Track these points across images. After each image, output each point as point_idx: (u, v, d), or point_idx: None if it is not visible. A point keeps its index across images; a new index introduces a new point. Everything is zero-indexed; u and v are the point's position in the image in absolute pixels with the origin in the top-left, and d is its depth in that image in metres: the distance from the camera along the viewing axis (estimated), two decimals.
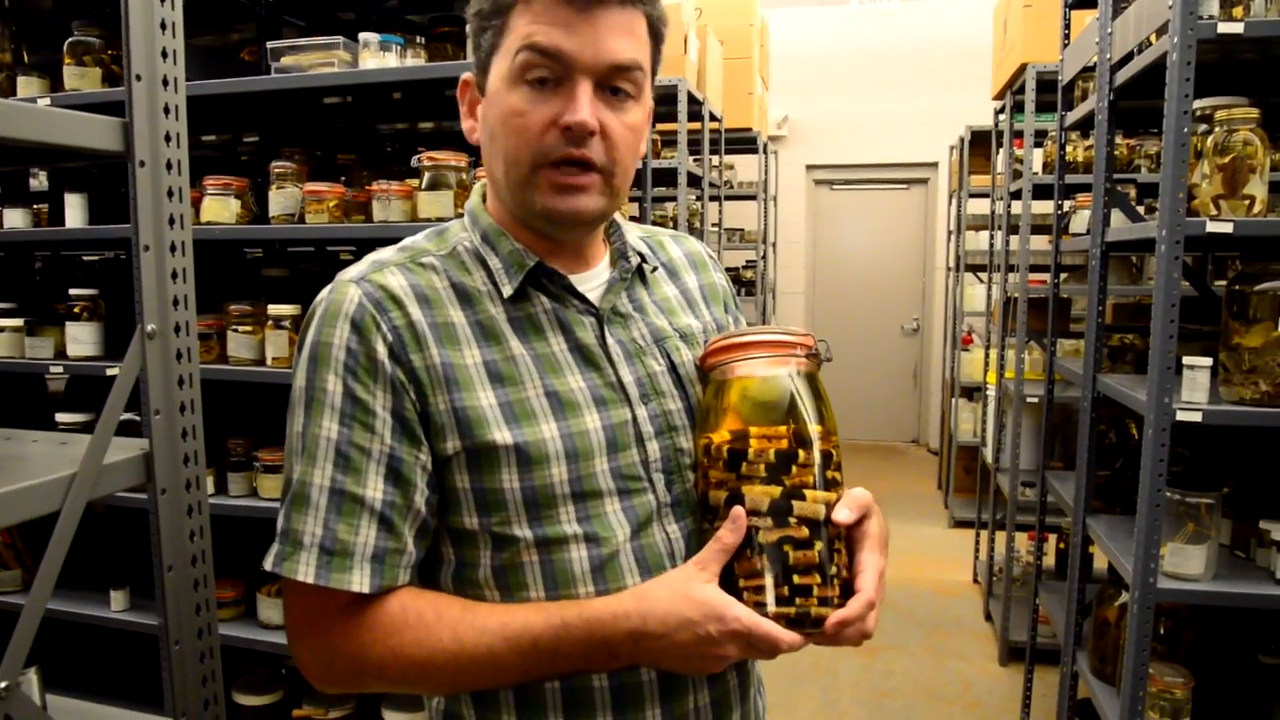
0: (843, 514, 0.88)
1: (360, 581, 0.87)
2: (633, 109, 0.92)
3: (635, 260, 1.03)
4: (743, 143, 5.54)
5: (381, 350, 0.88)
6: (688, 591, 0.83)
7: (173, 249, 1.05)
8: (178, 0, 1.04)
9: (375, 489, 0.88)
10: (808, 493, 0.87)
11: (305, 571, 0.86)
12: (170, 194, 1.05)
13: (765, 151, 5.91)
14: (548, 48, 0.86)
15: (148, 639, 2.49)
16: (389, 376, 0.88)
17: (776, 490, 0.86)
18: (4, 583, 2.62)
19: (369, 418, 0.88)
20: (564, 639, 0.85)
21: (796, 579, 0.85)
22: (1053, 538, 3.74)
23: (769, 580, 0.84)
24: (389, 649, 0.87)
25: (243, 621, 2.58)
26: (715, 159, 4.93)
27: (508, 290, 0.94)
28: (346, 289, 0.91)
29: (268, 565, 0.89)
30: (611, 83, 0.90)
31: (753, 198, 6.10)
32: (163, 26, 1.02)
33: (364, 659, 0.88)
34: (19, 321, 2.60)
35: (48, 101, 2.50)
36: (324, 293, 0.93)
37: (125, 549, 2.70)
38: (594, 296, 0.98)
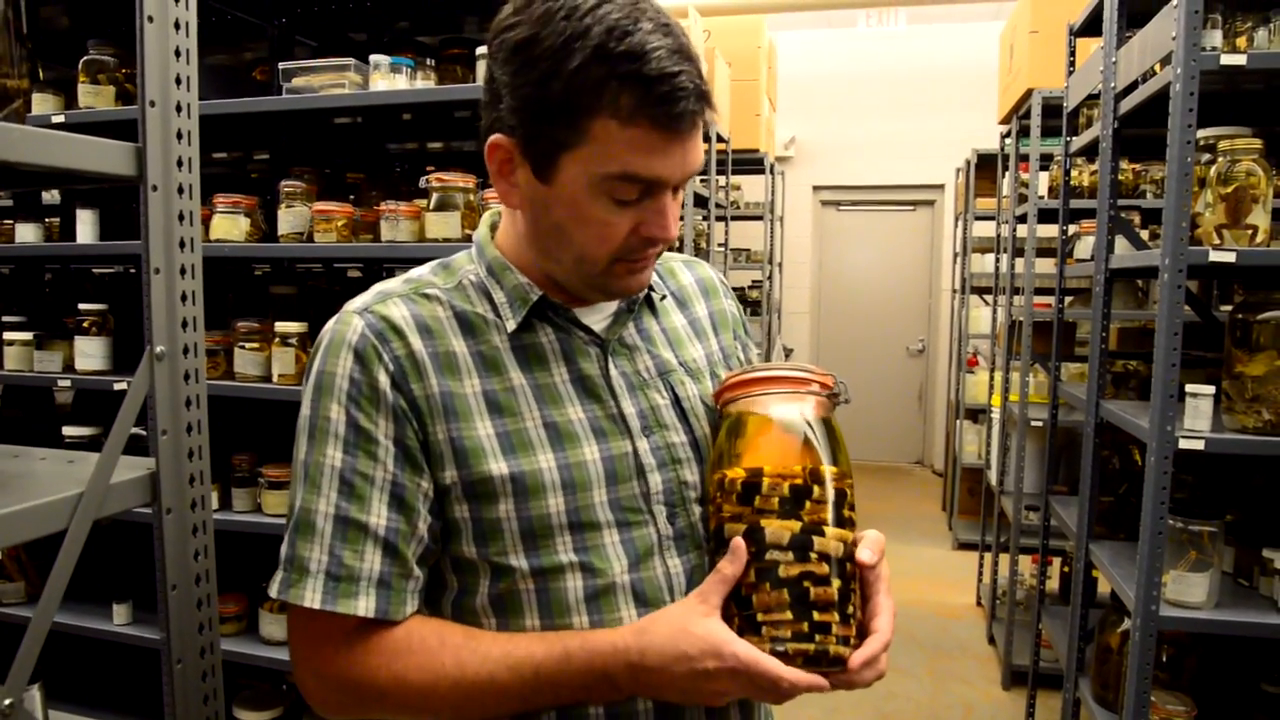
0: (865, 555, 0.88)
1: (366, 606, 0.88)
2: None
3: (642, 293, 1.02)
4: (749, 163, 5.57)
5: (384, 380, 0.90)
6: (686, 625, 0.84)
7: (183, 272, 1.07)
8: (192, 28, 1.06)
9: (379, 516, 0.89)
10: (827, 529, 0.86)
11: (312, 598, 0.88)
12: (181, 218, 1.06)
13: (772, 172, 5.93)
14: (647, 177, 0.86)
15: (150, 652, 2.49)
16: (391, 405, 0.90)
17: (796, 525, 0.85)
18: (7, 594, 2.64)
19: (372, 446, 0.89)
20: (565, 670, 0.86)
21: (816, 615, 0.84)
22: (1056, 561, 3.72)
23: (789, 615, 0.83)
24: (392, 674, 0.88)
25: (245, 637, 2.58)
26: (722, 179, 4.96)
27: (511, 325, 0.95)
28: (350, 320, 0.92)
29: (274, 592, 0.90)
30: None
31: (759, 218, 6.12)
32: (176, 54, 1.04)
33: (367, 684, 0.89)
34: (28, 335, 2.62)
35: (62, 119, 2.53)
36: (330, 324, 0.94)
37: (129, 562, 2.70)
38: (600, 328, 0.99)
